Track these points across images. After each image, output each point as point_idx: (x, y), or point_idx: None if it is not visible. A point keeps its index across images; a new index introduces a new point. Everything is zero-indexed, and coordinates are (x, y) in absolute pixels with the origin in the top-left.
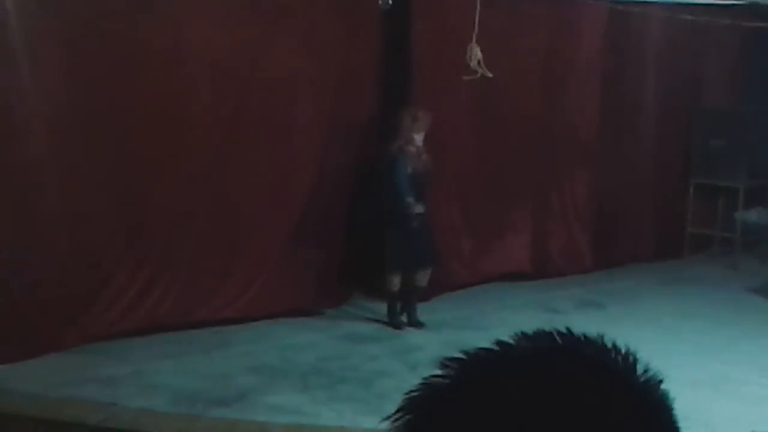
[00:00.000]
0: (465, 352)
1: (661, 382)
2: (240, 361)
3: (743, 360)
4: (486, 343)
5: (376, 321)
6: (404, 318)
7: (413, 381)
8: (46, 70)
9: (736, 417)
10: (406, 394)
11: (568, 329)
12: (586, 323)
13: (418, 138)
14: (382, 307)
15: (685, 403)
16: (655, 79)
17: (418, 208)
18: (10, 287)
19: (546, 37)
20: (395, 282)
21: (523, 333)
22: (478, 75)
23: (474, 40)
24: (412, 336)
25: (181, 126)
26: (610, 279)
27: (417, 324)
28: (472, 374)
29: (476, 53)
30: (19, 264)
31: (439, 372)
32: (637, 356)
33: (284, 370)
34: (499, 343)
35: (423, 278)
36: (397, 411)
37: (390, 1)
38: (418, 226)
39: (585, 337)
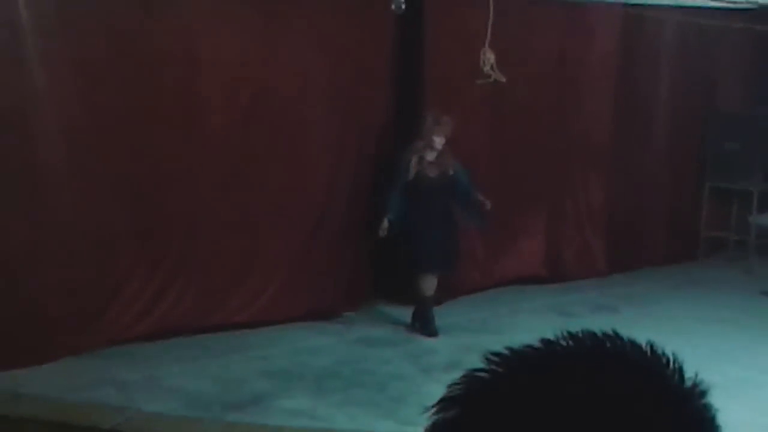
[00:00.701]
0: (509, 349)
1: (706, 392)
2: (254, 365)
3: (760, 364)
4: (500, 347)
5: (392, 324)
6: (414, 323)
7: (427, 385)
8: (61, 77)
9: (754, 423)
10: (449, 387)
11: (614, 332)
12: (601, 327)
13: (439, 141)
14: (396, 311)
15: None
16: (668, 82)
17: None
18: (28, 292)
19: (559, 41)
20: (425, 286)
21: (569, 332)
22: (492, 79)
23: (487, 44)
24: (426, 340)
25: (195, 131)
26: (624, 283)
27: (434, 331)
28: (516, 371)
29: (489, 57)
30: (35, 269)
31: (481, 367)
32: (683, 364)
33: (298, 374)
34: (544, 341)
35: (429, 284)
36: (438, 403)
37: (403, 6)
38: (428, 230)
39: (631, 341)
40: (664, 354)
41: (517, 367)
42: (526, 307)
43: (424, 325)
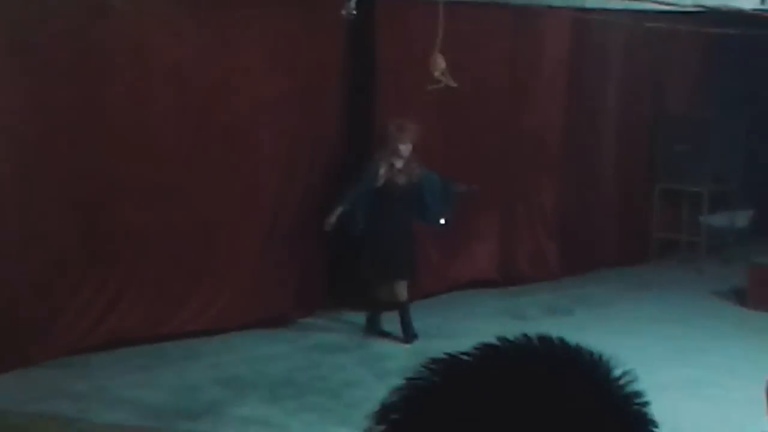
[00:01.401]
0: (447, 354)
1: (639, 393)
2: (208, 374)
3: (710, 364)
4: (454, 351)
5: (346, 330)
6: (373, 329)
7: (382, 390)
8: (7, 82)
9: (705, 421)
10: (388, 395)
11: (546, 336)
12: (555, 329)
13: (405, 149)
14: (350, 317)
15: (653, 407)
16: (618, 86)
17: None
18: None
19: (510, 46)
20: (399, 292)
21: (504, 338)
22: (443, 84)
23: (437, 50)
24: (380, 346)
25: (144, 139)
26: (577, 285)
27: (411, 337)
28: (452, 377)
29: (440, 63)
30: None
31: (421, 374)
32: (617, 363)
33: (253, 381)
34: (483, 345)
35: (400, 291)
36: (378, 411)
37: (353, 11)
38: (394, 238)
39: (563, 342)
40: (599, 354)
41: (452, 373)
42: (479, 311)
43: (404, 330)
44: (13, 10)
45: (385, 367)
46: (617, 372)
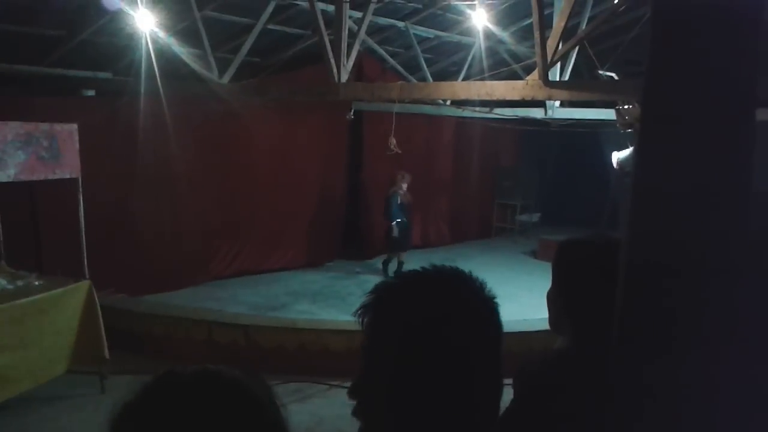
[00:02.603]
0: (397, 275)
1: (492, 296)
2: (282, 289)
3: (520, 286)
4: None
5: (350, 269)
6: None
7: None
8: (186, 147)
9: (516, 312)
10: (365, 297)
11: (450, 267)
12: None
13: (404, 186)
14: (352, 263)
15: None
16: (477, 153)
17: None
18: (172, 254)
19: (426, 133)
20: (403, 257)
21: (432, 264)
22: (394, 151)
23: (392, 134)
24: (369, 277)
25: (252, 174)
26: (458, 248)
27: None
28: (388, 290)
29: (393, 141)
30: (177, 240)
31: (376, 289)
32: (480, 280)
33: (303, 293)
34: (414, 270)
35: (403, 256)
36: (359, 309)
37: (352, 116)
38: (406, 228)
39: (457, 269)
40: (470, 274)
41: (389, 288)
42: (413, 261)
43: (396, 273)
44: (189, 112)
45: (369, 287)
46: (481, 281)
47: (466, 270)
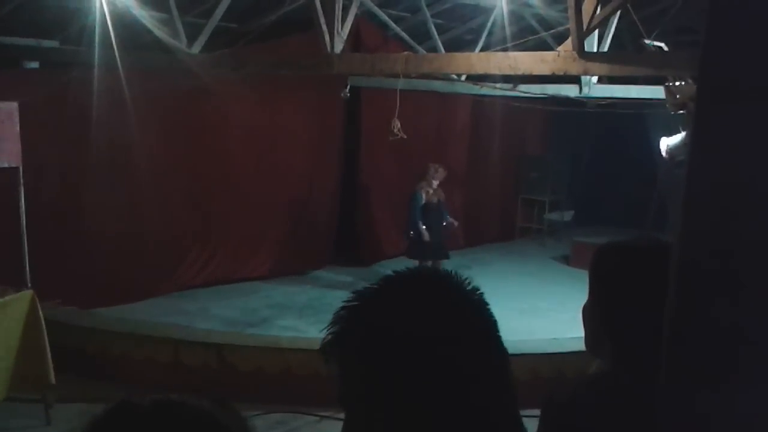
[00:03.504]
0: (369, 286)
1: (477, 289)
2: (262, 301)
3: (548, 297)
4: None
5: (344, 277)
6: None
7: None
8: (149, 134)
9: (544, 329)
10: (334, 314)
11: (434, 269)
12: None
13: (435, 183)
14: (346, 270)
15: (515, 322)
16: (498, 138)
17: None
18: (131, 260)
19: (437, 115)
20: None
21: (408, 268)
22: (398, 136)
23: (396, 116)
24: (362, 286)
25: (227, 163)
26: (474, 252)
27: None
28: (362, 299)
29: (397, 124)
30: (136, 245)
31: (352, 297)
32: (465, 279)
33: (288, 306)
34: (395, 272)
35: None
36: (329, 325)
37: (348, 94)
38: (433, 234)
39: (438, 270)
40: (456, 273)
41: (363, 297)
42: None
43: None
44: (153, 89)
45: None
46: (474, 286)
47: (480, 279)
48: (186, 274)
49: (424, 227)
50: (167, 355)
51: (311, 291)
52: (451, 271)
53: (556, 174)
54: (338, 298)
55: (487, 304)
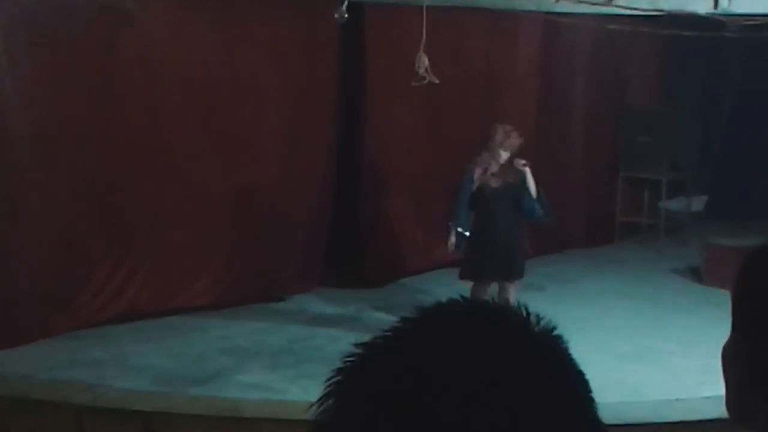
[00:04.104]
0: (378, 336)
1: (554, 328)
2: (215, 344)
3: (667, 334)
4: None
5: (341, 305)
6: None
7: None
8: (29, 82)
9: (661, 385)
10: (326, 381)
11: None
12: (528, 304)
13: (505, 155)
14: (345, 293)
15: (614, 373)
16: (585, 82)
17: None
18: (2, 278)
19: (487, 46)
20: (477, 292)
21: (449, 301)
22: (426, 81)
23: (422, 49)
24: (373, 318)
25: (156, 130)
26: (549, 264)
27: None
28: (374, 354)
29: (424, 61)
30: (10, 257)
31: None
32: (530, 310)
33: (255, 351)
34: (402, 320)
35: (505, 290)
36: (321, 398)
37: (345, 15)
38: (497, 238)
39: (486, 304)
40: (513, 307)
41: (374, 352)
42: (461, 287)
43: None
44: (34, 9)
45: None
46: (551, 327)
47: (557, 318)
48: (91, 303)
49: (463, 232)
50: (64, 428)
51: (290, 327)
52: (520, 308)
53: (677, 138)
54: (333, 340)
55: (573, 359)
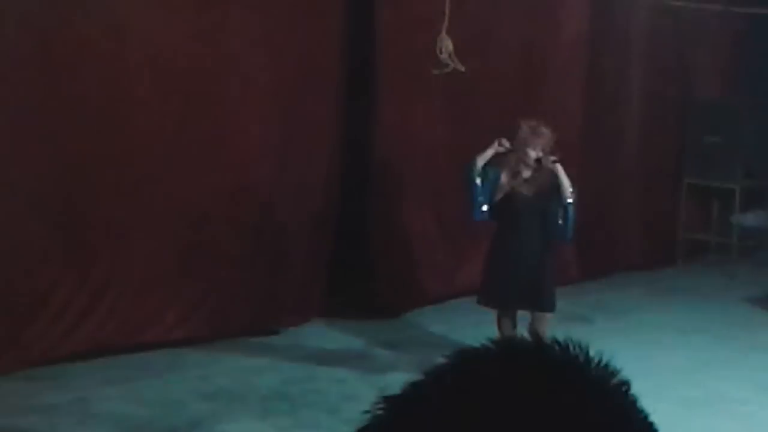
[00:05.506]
0: (407, 385)
1: (616, 372)
2: (193, 386)
3: (741, 377)
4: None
5: (345, 340)
6: None
7: None
8: None
9: None
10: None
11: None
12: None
13: (533, 155)
14: (350, 325)
15: (679, 423)
16: (642, 71)
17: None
18: None
19: (524, 27)
20: (502, 325)
21: (493, 343)
22: (449, 68)
23: (444, 31)
24: (383, 357)
25: (122, 130)
26: (597, 290)
27: None
28: (403, 411)
29: (447, 45)
30: None
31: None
32: (592, 354)
33: (242, 395)
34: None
35: (538, 320)
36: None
37: None
38: (524, 258)
39: (538, 343)
40: (581, 349)
41: (399, 404)
42: (489, 318)
43: None
44: None
45: (387, 380)
46: (615, 379)
47: (609, 356)
48: (44, 337)
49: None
50: None
51: (285, 366)
52: (569, 345)
53: (754, 139)
54: (336, 382)
55: (641, 410)
